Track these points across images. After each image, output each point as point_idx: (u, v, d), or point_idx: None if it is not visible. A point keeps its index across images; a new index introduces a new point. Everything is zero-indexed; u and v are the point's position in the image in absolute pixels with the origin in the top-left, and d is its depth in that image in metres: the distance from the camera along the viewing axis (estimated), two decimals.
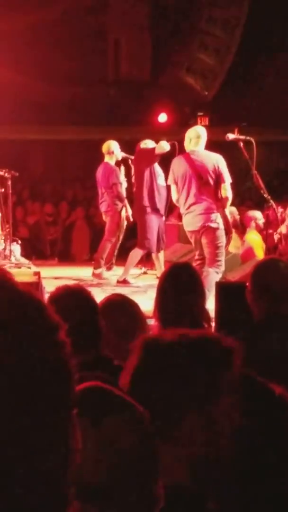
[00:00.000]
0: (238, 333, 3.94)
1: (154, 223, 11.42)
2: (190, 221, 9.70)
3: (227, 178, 9.58)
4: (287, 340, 3.62)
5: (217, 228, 9.53)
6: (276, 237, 13.18)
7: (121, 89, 21.47)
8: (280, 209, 14.08)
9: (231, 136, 10.23)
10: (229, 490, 2.09)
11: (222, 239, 9.60)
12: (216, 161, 9.63)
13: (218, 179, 9.55)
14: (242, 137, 10.35)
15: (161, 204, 11.46)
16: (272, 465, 2.11)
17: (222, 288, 6.81)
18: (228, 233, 9.77)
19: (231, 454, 2.08)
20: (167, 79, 21.48)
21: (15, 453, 1.04)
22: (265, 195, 10.35)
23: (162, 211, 11.64)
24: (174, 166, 9.92)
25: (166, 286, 4.36)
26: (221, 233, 9.58)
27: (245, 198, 19.61)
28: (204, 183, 9.54)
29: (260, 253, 11.64)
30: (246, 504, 2.10)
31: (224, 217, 9.63)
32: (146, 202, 11.42)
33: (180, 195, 9.77)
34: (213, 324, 6.43)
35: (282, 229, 13.25)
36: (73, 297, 3.36)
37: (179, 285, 4.31)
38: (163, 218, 11.79)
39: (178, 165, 9.82)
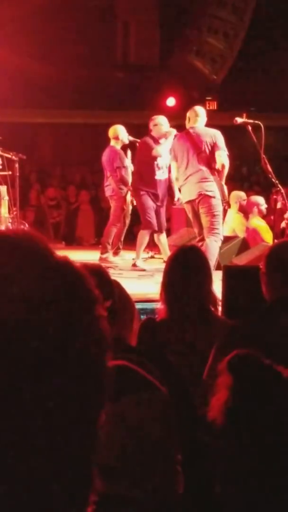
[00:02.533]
0: (249, 315, 3.94)
1: (150, 203, 11.41)
2: (187, 191, 9.95)
3: (222, 148, 9.84)
4: None
5: (213, 197, 9.74)
6: (284, 223, 13.16)
7: (129, 72, 21.40)
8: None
9: (239, 120, 10.21)
10: (232, 474, 2.09)
11: (219, 208, 9.80)
12: (214, 134, 9.95)
13: (214, 149, 9.82)
14: (251, 121, 10.32)
15: (161, 191, 11.42)
16: (273, 446, 2.10)
17: (229, 271, 6.79)
18: (223, 202, 9.97)
19: (225, 435, 2.08)
20: (176, 63, 21.41)
21: (49, 421, 1.02)
22: (273, 180, 10.33)
23: (161, 198, 11.56)
24: (174, 144, 10.31)
25: (172, 269, 4.35)
26: (217, 202, 9.78)
27: (253, 183, 19.58)
28: (200, 153, 9.81)
29: (267, 238, 11.61)
30: (249, 488, 2.09)
31: (221, 187, 9.85)
32: (139, 184, 11.45)
33: (179, 169, 10.06)
34: (219, 307, 6.44)
35: None
36: (91, 275, 3.31)
37: (186, 268, 4.30)
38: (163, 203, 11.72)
39: (178, 142, 10.17)
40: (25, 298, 1.02)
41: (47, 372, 1.02)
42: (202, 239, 9.80)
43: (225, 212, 10.28)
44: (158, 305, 4.49)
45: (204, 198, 9.73)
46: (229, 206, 11.37)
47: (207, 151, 9.80)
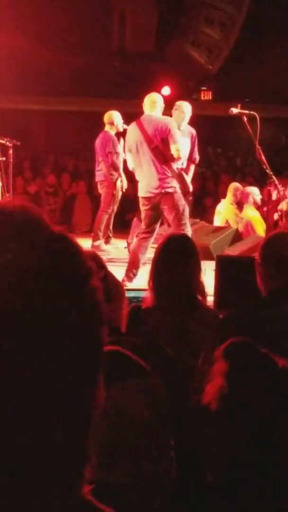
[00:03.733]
0: (241, 305, 3.96)
1: None
2: (145, 187, 9.54)
3: (177, 139, 9.48)
4: None
5: (174, 192, 9.40)
6: (276, 215, 13.18)
7: (125, 61, 21.38)
8: (281, 188, 14.07)
9: (235, 110, 10.19)
10: (226, 461, 2.10)
11: (182, 202, 9.47)
12: (165, 123, 9.54)
13: (168, 141, 9.43)
14: (246, 111, 10.31)
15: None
16: (267, 433, 2.11)
17: (222, 262, 6.81)
18: (185, 194, 9.66)
19: (220, 422, 2.09)
20: (172, 52, 21.38)
21: (48, 398, 1.03)
22: (268, 171, 10.33)
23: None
24: (128, 134, 9.91)
25: (160, 257, 4.35)
26: (179, 196, 9.45)
27: (247, 174, 19.59)
28: (154, 147, 9.45)
29: (259, 230, 11.64)
30: (242, 476, 2.10)
31: (180, 179, 9.57)
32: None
33: (135, 162, 9.67)
34: (212, 297, 6.45)
35: (283, 205, 13.24)
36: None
37: (174, 256, 4.30)
38: None
39: (130, 133, 9.79)
40: (18, 266, 1.02)
41: (38, 342, 1.02)
42: (149, 234, 9.53)
43: (189, 203, 9.97)
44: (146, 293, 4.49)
45: (165, 195, 9.37)
46: (192, 196, 11.10)
47: (162, 145, 9.41)
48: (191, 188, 10.02)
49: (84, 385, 1.08)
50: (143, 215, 9.69)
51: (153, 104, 9.78)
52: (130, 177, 12.48)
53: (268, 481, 2.06)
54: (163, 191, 9.37)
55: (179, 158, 9.50)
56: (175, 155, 9.42)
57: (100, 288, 1.11)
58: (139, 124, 9.67)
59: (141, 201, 9.70)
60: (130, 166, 9.89)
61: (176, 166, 10.29)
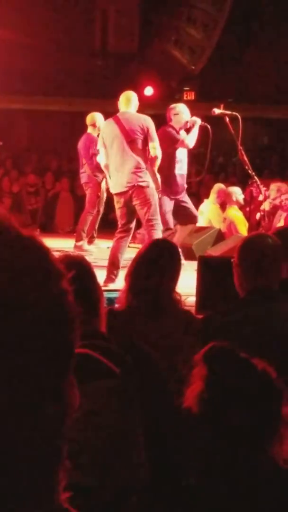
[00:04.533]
0: (221, 307, 3.97)
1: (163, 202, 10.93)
2: (119, 182, 9.45)
3: (155, 138, 9.40)
4: (272, 314, 3.64)
5: (147, 187, 9.31)
6: (259, 214, 13.22)
7: (107, 61, 21.36)
8: (263, 188, 14.11)
9: (217, 111, 10.22)
10: (206, 463, 2.11)
11: (154, 198, 9.39)
12: (144, 120, 9.46)
13: (146, 138, 9.38)
14: (228, 112, 10.34)
15: (180, 186, 10.70)
16: (246, 436, 2.12)
17: (204, 262, 6.82)
18: (158, 191, 9.54)
19: (200, 426, 2.10)
20: (154, 52, 21.38)
21: (13, 399, 1.02)
22: (250, 171, 10.36)
23: (181, 191, 10.80)
24: (103, 129, 9.85)
25: (139, 259, 4.36)
26: (152, 191, 9.35)
27: (229, 174, 19.63)
28: (131, 141, 9.37)
29: (242, 229, 11.67)
30: (219, 478, 2.11)
31: (153, 176, 9.44)
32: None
33: (108, 157, 9.58)
34: (194, 298, 6.46)
35: (265, 205, 13.27)
36: (73, 266, 3.28)
37: (152, 259, 4.30)
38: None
39: (107, 127, 9.70)
40: None
41: (7, 348, 1.02)
42: (127, 233, 9.50)
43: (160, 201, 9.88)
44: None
45: (138, 189, 9.27)
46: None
47: (139, 140, 9.35)
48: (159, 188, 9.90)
49: (52, 386, 1.07)
50: (118, 213, 9.60)
51: (128, 102, 9.72)
52: None
53: (245, 483, 2.07)
54: (135, 184, 9.30)
55: (156, 156, 9.40)
56: (151, 154, 9.38)
57: (70, 290, 1.11)
58: (116, 119, 9.59)
59: (115, 199, 9.62)
60: (103, 162, 9.78)
61: (179, 172, 10.32)
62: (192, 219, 10.72)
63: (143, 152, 9.42)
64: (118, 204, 9.53)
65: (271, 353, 2.43)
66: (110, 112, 13.70)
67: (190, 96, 20.40)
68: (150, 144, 9.37)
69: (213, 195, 12.70)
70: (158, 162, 9.50)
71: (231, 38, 21.23)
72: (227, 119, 10.17)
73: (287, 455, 2.15)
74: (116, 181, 9.51)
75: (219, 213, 12.65)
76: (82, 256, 3.38)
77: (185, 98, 20.50)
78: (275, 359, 2.31)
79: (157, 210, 9.47)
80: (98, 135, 12.39)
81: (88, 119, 12.57)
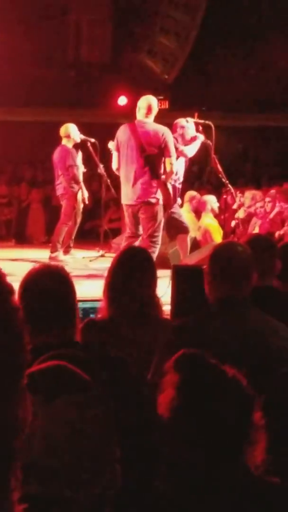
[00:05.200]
0: (191, 315, 3.98)
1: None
2: (129, 195, 9.39)
3: (173, 153, 9.28)
4: (241, 323, 3.65)
5: (156, 204, 9.30)
6: (234, 222, 13.26)
7: (81, 71, 21.38)
8: (238, 194, 14.18)
9: (190, 120, 10.26)
10: (176, 470, 2.11)
11: (161, 215, 9.37)
12: (163, 134, 9.28)
13: (163, 152, 9.24)
14: (201, 121, 10.38)
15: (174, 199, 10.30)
16: (217, 443, 2.13)
17: (179, 271, 6.81)
18: (166, 209, 9.52)
19: (171, 433, 2.10)
20: (128, 62, 21.44)
21: None
22: (224, 180, 10.39)
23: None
24: (119, 133, 9.56)
25: (116, 268, 4.34)
26: (160, 208, 9.36)
27: (204, 182, 19.66)
28: (147, 155, 9.26)
29: (217, 238, 11.70)
30: (192, 484, 2.12)
31: (165, 192, 9.38)
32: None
33: (120, 164, 9.48)
34: (169, 307, 6.46)
35: (240, 213, 13.33)
36: (52, 276, 3.29)
37: (129, 268, 4.29)
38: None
39: (123, 132, 9.48)
40: None
41: None
42: (134, 238, 9.45)
43: (168, 215, 9.80)
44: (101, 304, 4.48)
45: (147, 205, 9.27)
46: (181, 206, 11.04)
47: (154, 154, 9.24)
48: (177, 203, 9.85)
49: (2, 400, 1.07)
50: (126, 221, 9.62)
51: (148, 110, 9.48)
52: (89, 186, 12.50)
53: (216, 490, 2.08)
54: (145, 200, 9.27)
55: (171, 172, 9.31)
56: (167, 169, 9.27)
57: (19, 308, 1.10)
58: (132, 128, 9.39)
59: (123, 207, 9.62)
60: (114, 166, 9.66)
61: (170, 181, 9.82)
62: (185, 230, 10.57)
63: (157, 166, 9.30)
64: (126, 213, 9.54)
65: (240, 360, 2.44)
66: (85, 122, 13.75)
67: (164, 105, 20.42)
68: (167, 160, 9.25)
69: (186, 203, 12.71)
70: (171, 178, 9.41)
71: (203, 46, 21.31)
72: (201, 128, 10.20)
73: (258, 461, 2.16)
74: (126, 192, 9.44)
75: (194, 222, 12.66)
76: (62, 266, 3.39)
77: (159, 107, 20.54)
78: (245, 366, 2.32)
79: (161, 228, 9.44)
80: (73, 146, 12.40)
81: (62, 130, 12.55)
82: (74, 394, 1.83)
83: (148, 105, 9.52)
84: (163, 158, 9.29)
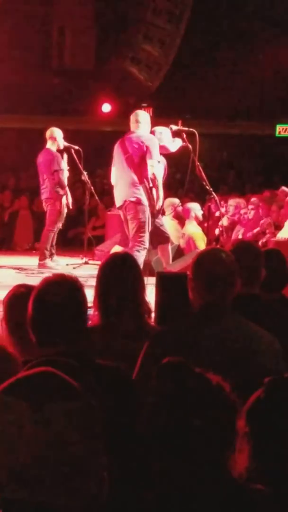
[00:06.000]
0: (175, 323, 3.98)
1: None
2: (118, 197, 9.75)
3: (154, 156, 9.52)
4: (224, 330, 3.65)
5: (138, 203, 9.48)
6: (217, 230, 13.28)
7: (64, 78, 21.37)
8: (224, 204, 14.20)
9: (174, 127, 10.27)
10: (162, 479, 2.11)
11: (145, 215, 9.53)
12: (146, 140, 9.64)
13: (144, 155, 9.52)
14: (185, 128, 10.39)
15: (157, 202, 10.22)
16: (200, 451, 2.13)
17: (163, 278, 6.81)
18: (151, 210, 9.62)
19: (155, 441, 2.10)
20: (111, 69, 21.46)
21: None
22: (207, 187, 10.40)
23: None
24: (114, 149, 9.96)
25: (104, 276, 4.33)
26: (143, 208, 9.51)
27: (188, 190, 19.69)
28: (127, 157, 9.58)
29: (201, 245, 11.68)
30: (178, 493, 2.12)
31: (148, 194, 9.56)
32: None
33: (115, 177, 9.85)
34: (153, 315, 6.46)
35: (224, 221, 13.35)
36: (68, 286, 3.25)
37: (117, 275, 4.29)
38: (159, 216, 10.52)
39: (116, 148, 9.90)
40: None
41: None
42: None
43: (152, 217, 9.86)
44: (91, 312, 4.46)
45: (129, 204, 9.54)
46: (163, 213, 11.04)
47: (136, 157, 9.56)
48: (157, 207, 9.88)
49: None
50: (124, 225, 9.81)
51: (136, 122, 9.89)
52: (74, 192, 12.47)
53: (200, 498, 2.08)
54: (127, 199, 9.53)
55: (153, 175, 9.52)
56: (149, 172, 9.49)
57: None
58: (121, 139, 9.86)
59: (120, 213, 9.86)
60: (112, 181, 10.01)
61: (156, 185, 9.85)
62: (165, 240, 10.55)
63: (140, 168, 9.54)
64: (122, 217, 9.80)
65: (224, 368, 2.44)
66: (69, 129, 13.74)
67: (148, 112, 20.48)
68: (148, 162, 9.49)
69: (167, 210, 12.68)
70: (158, 181, 9.59)
71: (187, 54, 21.36)
72: (184, 135, 10.21)
73: (242, 469, 2.16)
74: (116, 195, 9.81)
75: (178, 229, 12.66)
76: (76, 276, 3.36)
77: None
78: (229, 374, 2.32)
79: (146, 228, 9.57)
80: (57, 150, 12.38)
81: (48, 133, 12.53)
82: (61, 401, 1.82)
83: (135, 118, 9.92)
84: (143, 161, 9.54)
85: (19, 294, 3.93)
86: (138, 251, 9.37)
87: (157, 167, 9.59)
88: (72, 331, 3.07)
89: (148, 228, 9.62)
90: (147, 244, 9.63)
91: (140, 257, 9.28)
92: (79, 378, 1.99)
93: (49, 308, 3.08)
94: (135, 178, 9.55)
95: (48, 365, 2.06)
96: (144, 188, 9.56)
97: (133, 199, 9.51)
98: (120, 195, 9.71)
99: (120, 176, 9.73)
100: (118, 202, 9.78)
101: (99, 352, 3.86)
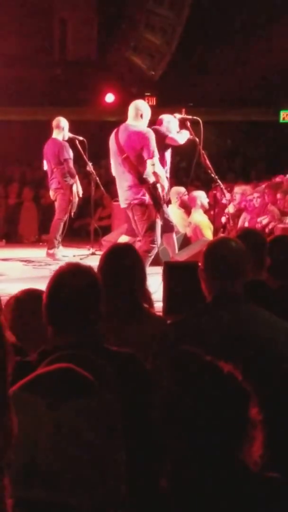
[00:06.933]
0: (187, 312, 3.97)
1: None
2: (121, 198, 9.56)
3: (153, 154, 9.25)
4: (237, 318, 3.64)
5: (142, 204, 9.34)
6: (224, 218, 13.25)
7: (67, 69, 21.33)
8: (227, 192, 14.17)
9: (178, 116, 10.25)
10: (175, 468, 2.11)
11: (151, 214, 9.39)
12: (142, 136, 9.28)
13: (141, 154, 9.27)
14: (189, 116, 10.36)
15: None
16: (213, 441, 2.12)
17: (170, 268, 6.81)
18: (158, 208, 9.47)
19: (167, 431, 2.10)
20: (114, 59, 21.40)
21: None
22: (212, 175, 10.38)
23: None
24: (109, 141, 9.67)
25: (105, 266, 4.34)
26: (148, 208, 9.38)
27: (193, 178, 19.65)
28: (124, 158, 9.33)
29: (208, 233, 11.68)
30: (192, 483, 2.11)
31: (151, 193, 9.37)
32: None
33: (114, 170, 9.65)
34: (161, 304, 6.46)
35: (230, 208, 13.32)
36: (84, 275, 3.26)
37: (118, 265, 4.29)
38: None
39: (110, 141, 9.60)
40: None
41: None
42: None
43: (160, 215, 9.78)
44: None
45: (134, 207, 9.37)
46: (169, 202, 10.99)
47: (132, 156, 9.28)
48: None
49: None
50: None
51: (135, 113, 9.53)
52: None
53: (216, 488, 2.07)
54: (131, 202, 9.36)
55: (155, 173, 9.32)
56: (149, 170, 9.28)
57: (6, 324, 1.10)
58: (116, 132, 9.51)
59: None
60: (113, 172, 9.77)
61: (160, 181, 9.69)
62: (170, 229, 10.53)
63: (139, 167, 9.31)
64: (131, 217, 9.58)
65: (238, 357, 2.43)
66: (73, 120, 13.71)
67: (152, 101, 20.40)
68: (148, 162, 9.26)
69: (173, 199, 12.65)
70: (161, 178, 9.39)
71: (190, 42, 21.29)
72: (188, 123, 10.18)
73: (256, 457, 2.15)
74: (119, 194, 9.61)
75: (184, 218, 12.64)
76: (90, 266, 3.37)
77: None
78: (242, 362, 2.31)
79: (154, 227, 9.44)
80: (63, 139, 12.34)
81: (54, 122, 12.47)
82: (80, 399, 1.81)
83: (134, 109, 9.56)
84: (142, 160, 9.29)
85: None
86: (148, 251, 9.24)
87: (157, 164, 9.35)
88: (88, 319, 3.08)
89: (157, 225, 9.48)
90: (158, 243, 9.51)
91: (150, 257, 9.21)
92: (99, 372, 1.98)
93: (65, 297, 3.09)
94: (135, 179, 9.33)
95: (68, 360, 2.05)
96: (145, 188, 9.36)
97: (137, 202, 9.35)
98: (122, 196, 9.50)
99: (118, 176, 9.53)
100: (122, 203, 9.58)
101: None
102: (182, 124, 10.29)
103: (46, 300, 3.12)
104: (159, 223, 9.53)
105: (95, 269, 3.80)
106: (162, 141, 10.07)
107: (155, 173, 9.34)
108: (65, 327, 3.03)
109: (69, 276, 3.17)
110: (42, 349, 3.00)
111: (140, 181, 9.32)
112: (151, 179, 9.35)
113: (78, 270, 3.23)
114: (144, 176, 9.33)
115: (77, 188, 12.44)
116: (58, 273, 3.20)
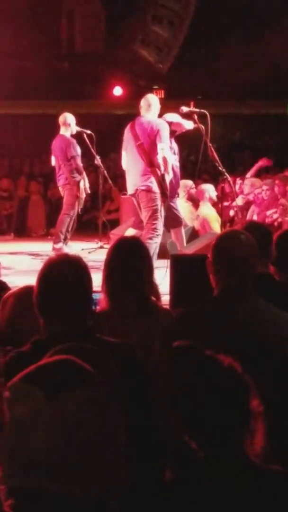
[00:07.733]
0: (195, 305, 3.97)
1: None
2: (129, 184, 9.81)
3: (164, 140, 9.54)
4: (247, 313, 3.64)
5: (149, 191, 9.49)
6: (232, 211, 13.25)
7: (75, 62, 21.32)
8: (238, 181, 14.16)
9: (185, 109, 10.22)
10: (177, 461, 2.12)
11: (156, 203, 9.52)
12: (156, 124, 9.66)
13: (154, 141, 9.53)
14: (196, 109, 10.34)
15: (171, 185, 10.08)
16: (214, 435, 2.13)
17: (177, 261, 6.81)
18: (163, 199, 9.61)
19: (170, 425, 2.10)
20: (122, 52, 21.38)
21: None
22: (220, 168, 10.36)
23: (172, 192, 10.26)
24: (124, 135, 9.98)
25: (112, 260, 4.33)
26: (155, 196, 9.52)
27: (201, 171, 19.63)
28: (139, 145, 9.59)
29: (216, 226, 11.66)
30: (195, 475, 2.12)
31: (159, 181, 9.54)
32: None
33: (126, 162, 9.89)
34: (168, 297, 6.46)
35: (238, 201, 13.32)
36: (72, 266, 3.30)
37: (125, 258, 4.29)
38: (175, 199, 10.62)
39: (126, 133, 9.90)
40: None
41: None
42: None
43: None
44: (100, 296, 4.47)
45: (141, 193, 9.56)
46: (177, 196, 11.02)
47: (147, 143, 9.56)
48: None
49: None
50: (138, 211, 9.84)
51: (147, 107, 9.88)
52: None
53: (218, 480, 2.08)
54: (139, 188, 9.55)
55: (164, 158, 9.50)
56: (159, 155, 9.48)
57: None
58: (131, 124, 9.84)
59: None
60: (123, 166, 10.04)
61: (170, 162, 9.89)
62: (178, 223, 10.67)
63: (151, 156, 9.55)
64: (136, 204, 9.79)
65: (243, 350, 2.43)
66: (81, 113, 13.73)
67: (160, 94, 20.39)
68: (158, 145, 9.49)
69: (181, 193, 12.65)
70: (168, 165, 9.56)
71: (197, 35, 21.25)
72: (196, 116, 10.17)
73: (258, 449, 2.15)
74: (128, 182, 9.86)
75: (192, 211, 12.65)
76: (79, 256, 3.41)
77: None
78: (251, 355, 2.32)
79: (158, 216, 9.57)
80: (71, 135, 12.36)
81: (61, 119, 12.52)
82: (80, 389, 1.82)
83: (146, 103, 9.92)
84: (155, 147, 9.52)
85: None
86: (151, 238, 9.40)
87: (167, 150, 9.57)
88: (78, 308, 3.12)
89: (161, 215, 9.62)
90: (161, 231, 9.65)
91: (153, 244, 9.31)
92: (99, 363, 1.99)
93: (54, 287, 3.14)
94: (146, 166, 9.55)
95: (68, 352, 2.06)
96: (155, 176, 9.54)
97: (144, 188, 9.52)
98: (131, 183, 9.74)
99: (131, 164, 9.75)
100: (130, 190, 9.82)
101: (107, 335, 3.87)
102: (189, 118, 10.29)
103: (36, 291, 3.17)
104: (163, 212, 9.63)
105: (98, 263, 3.83)
106: (169, 127, 10.14)
107: (164, 158, 9.50)
108: (54, 317, 3.09)
109: (58, 267, 3.22)
110: (35, 339, 3.06)
111: (151, 168, 9.51)
112: (161, 167, 9.52)
113: (66, 261, 3.28)
114: (156, 163, 9.52)
115: (85, 184, 12.47)
116: (47, 265, 3.25)
